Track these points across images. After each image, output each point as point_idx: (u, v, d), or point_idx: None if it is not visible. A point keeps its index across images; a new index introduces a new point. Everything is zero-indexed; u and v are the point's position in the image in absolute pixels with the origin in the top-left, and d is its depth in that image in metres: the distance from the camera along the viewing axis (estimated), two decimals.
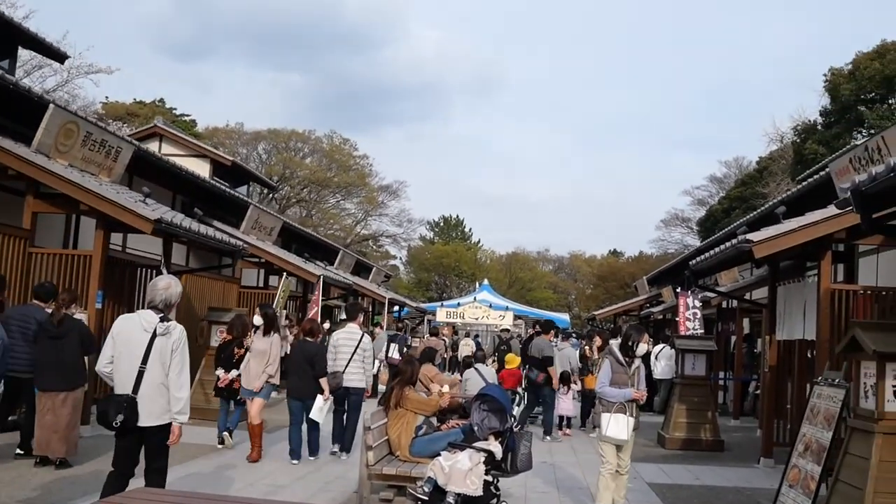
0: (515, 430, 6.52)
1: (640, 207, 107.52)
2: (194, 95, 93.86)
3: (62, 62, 17.04)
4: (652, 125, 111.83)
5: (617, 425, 6.46)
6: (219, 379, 9.59)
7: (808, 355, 10.47)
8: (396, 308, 30.38)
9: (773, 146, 45.32)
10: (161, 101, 45.11)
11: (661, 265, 34.54)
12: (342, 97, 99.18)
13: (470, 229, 75.84)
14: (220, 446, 9.32)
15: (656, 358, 15.74)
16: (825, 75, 31.83)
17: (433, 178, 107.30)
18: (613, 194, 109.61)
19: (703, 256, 9.58)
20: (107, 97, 42.98)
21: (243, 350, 9.47)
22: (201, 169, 24.99)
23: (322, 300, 21.38)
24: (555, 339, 15.03)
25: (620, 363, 6.65)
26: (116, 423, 4.91)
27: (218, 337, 11.58)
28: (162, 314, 5.13)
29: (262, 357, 8.97)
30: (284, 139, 55.06)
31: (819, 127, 32.86)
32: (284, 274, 13.35)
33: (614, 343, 6.95)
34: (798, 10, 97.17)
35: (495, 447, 6.16)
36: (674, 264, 25.98)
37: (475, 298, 39.56)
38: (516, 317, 38.69)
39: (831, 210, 7.56)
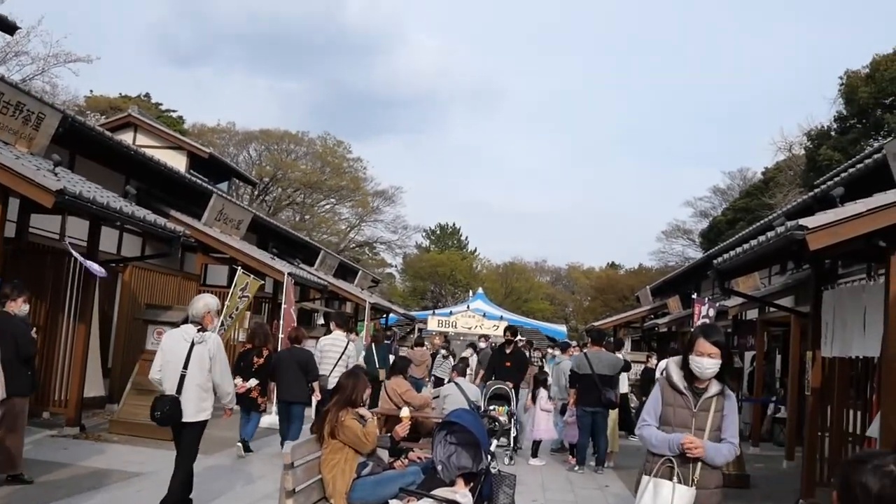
0: (493, 470, 4.78)
1: (640, 220, 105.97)
2: (190, 99, 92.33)
3: (11, 34, 15.31)
4: (653, 138, 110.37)
5: (655, 499, 3.97)
6: (236, 387, 8.55)
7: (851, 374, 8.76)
8: (386, 315, 28.58)
9: (780, 156, 43.71)
10: (147, 95, 43.49)
11: (661, 277, 32.89)
12: (340, 105, 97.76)
13: (466, 238, 74.36)
14: (242, 455, 9.19)
15: (662, 373, 14.15)
16: (841, 78, 30.15)
17: (430, 187, 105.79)
18: (613, 207, 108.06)
19: (733, 252, 7.81)
20: (91, 90, 41.39)
21: (262, 359, 9.59)
22: (177, 162, 23.24)
23: (297, 303, 19.70)
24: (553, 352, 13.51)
25: (678, 391, 4.18)
26: (157, 416, 5.98)
27: (155, 338, 9.96)
28: (200, 326, 6.22)
29: None
30: (276, 140, 53.34)
31: (833, 133, 31.20)
32: (240, 269, 11.58)
33: (672, 363, 4.39)
34: (801, 21, 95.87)
35: (463, 497, 4.41)
36: (680, 273, 24.29)
37: (468, 307, 37.83)
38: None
39: None
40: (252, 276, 11.60)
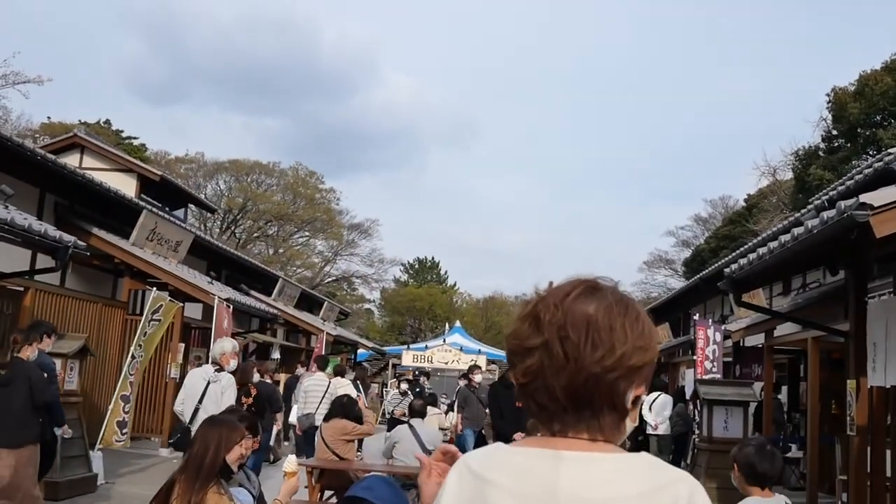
0: None
1: (621, 253, 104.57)
2: (161, 134, 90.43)
3: None
4: (631, 174, 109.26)
5: None
6: None
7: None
8: (353, 349, 26.69)
9: (764, 181, 42.67)
10: (107, 122, 41.64)
11: (644, 308, 31.30)
12: (315, 142, 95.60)
13: (445, 272, 72.64)
14: None
15: (650, 409, 12.53)
16: (828, 95, 29.05)
17: (406, 223, 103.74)
18: (593, 240, 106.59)
19: (754, 255, 6.15)
20: (49, 117, 39.56)
21: (251, 399, 9.11)
22: (127, 185, 21.57)
23: (245, 333, 17.81)
24: None
25: None
26: (171, 442, 7.42)
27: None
28: (218, 366, 7.32)
29: None
30: (246, 170, 51.59)
31: (821, 153, 30.02)
32: (154, 290, 9.78)
33: None
34: (775, 46, 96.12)
35: None
36: (668, 300, 22.72)
37: (444, 341, 35.99)
38: (490, 361, 35.07)
39: None
40: (169, 297, 9.83)
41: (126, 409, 8.90)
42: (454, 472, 1.30)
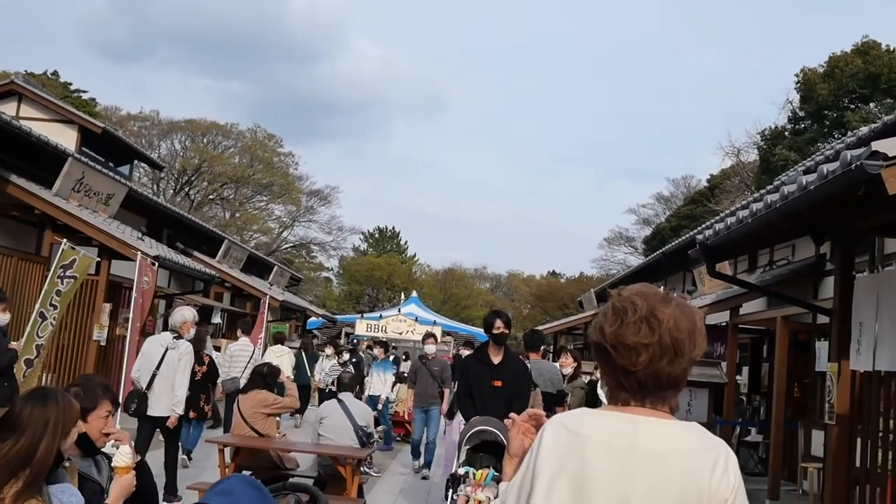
0: None
1: (582, 229, 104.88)
2: (121, 94, 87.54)
3: None
4: (595, 152, 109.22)
5: None
6: None
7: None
8: (303, 316, 25.74)
9: (728, 162, 42.53)
10: (55, 73, 39.69)
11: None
12: (280, 110, 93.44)
13: (406, 243, 71.81)
14: (186, 466, 8.70)
15: (601, 388, 11.88)
16: (797, 76, 28.69)
17: (369, 194, 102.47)
18: (553, 217, 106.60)
19: (733, 219, 5.42)
20: None
21: (205, 367, 9.18)
22: (67, 137, 20.38)
23: (182, 295, 16.82)
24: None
25: None
26: (130, 411, 6.96)
27: None
28: (176, 334, 7.21)
29: None
30: (203, 130, 49.85)
31: (787, 133, 29.67)
32: (64, 242, 8.75)
33: None
34: (742, 28, 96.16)
35: None
36: (631, 273, 22.16)
37: (399, 310, 35.16)
38: (445, 332, 34.37)
39: None
40: (82, 250, 8.84)
41: (26, 374, 7.96)
42: (549, 428, 1.71)
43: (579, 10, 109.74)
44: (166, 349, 6.94)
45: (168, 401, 6.86)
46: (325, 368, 14.18)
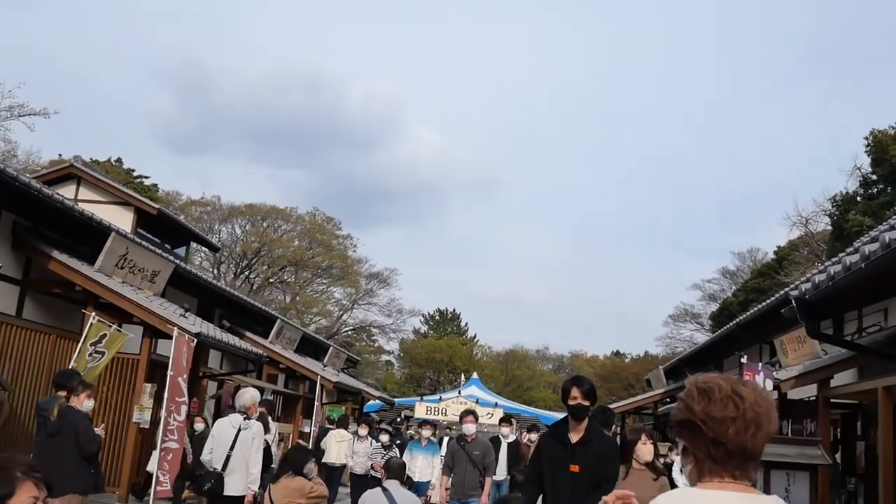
0: None
1: (645, 307, 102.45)
2: (187, 182, 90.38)
3: None
4: (657, 230, 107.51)
5: None
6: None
7: None
8: (360, 399, 25.00)
9: (795, 232, 41.04)
10: (119, 160, 40.81)
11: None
12: (339, 196, 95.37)
13: (466, 324, 70.97)
14: None
15: (681, 472, 10.75)
16: (866, 139, 27.53)
17: (428, 276, 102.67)
18: (616, 296, 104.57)
19: (838, 268, 4.57)
20: (60, 154, 38.86)
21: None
22: (124, 219, 20.52)
23: (230, 375, 16.25)
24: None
25: None
26: (205, 489, 7.04)
27: None
28: (245, 414, 7.37)
29: None
30: (263, 215, 50.56)
31: (859, 198, 28.39)
32: (94, 316, 8.30)
33: None
34: (802, 94, 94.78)
35: None
36: (702, 347, 20.94)
37: (460, 392, 34.09)
38: (507, 415, 33.19)
39: None
40: (115, 326, 8.36)
41: None
42: None
43: (637, 85, 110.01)
44: (239, 429, 7.14)
45: (243, 480, 7.09)
46: (359, 451, 12.48)
